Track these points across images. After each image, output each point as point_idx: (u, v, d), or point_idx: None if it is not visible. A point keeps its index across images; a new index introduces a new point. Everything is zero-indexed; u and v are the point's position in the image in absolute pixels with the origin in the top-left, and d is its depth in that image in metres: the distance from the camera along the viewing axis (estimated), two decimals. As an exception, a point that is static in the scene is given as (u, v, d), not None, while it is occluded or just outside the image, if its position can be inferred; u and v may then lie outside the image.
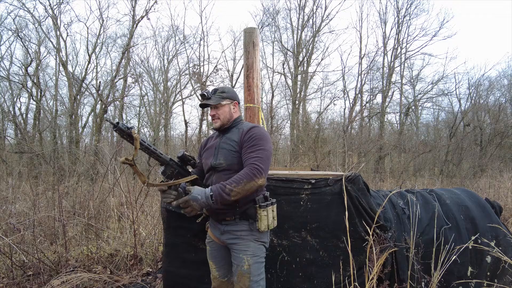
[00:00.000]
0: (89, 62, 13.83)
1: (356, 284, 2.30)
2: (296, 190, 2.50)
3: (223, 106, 2.04)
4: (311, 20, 17.03)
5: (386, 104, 17.17)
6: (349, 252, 2.26)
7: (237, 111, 2.14)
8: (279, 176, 2.52)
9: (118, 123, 1.59)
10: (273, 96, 17.75)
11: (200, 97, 2.08)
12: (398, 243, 2.60)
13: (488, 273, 2.70)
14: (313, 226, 2.50)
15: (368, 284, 2.20)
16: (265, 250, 1.99)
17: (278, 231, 2.49)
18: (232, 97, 2.09)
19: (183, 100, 17.11)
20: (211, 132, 20.16)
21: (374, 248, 2.37)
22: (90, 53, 13.94)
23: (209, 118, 14.98)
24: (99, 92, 13.01)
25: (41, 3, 12.58)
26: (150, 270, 3.53)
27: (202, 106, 2.07)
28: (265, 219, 1.89)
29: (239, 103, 2.17)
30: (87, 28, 15.17)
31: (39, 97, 13.89)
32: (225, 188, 1.71)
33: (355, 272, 2.35)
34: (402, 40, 17.24)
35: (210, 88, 2.18)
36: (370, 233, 2.38)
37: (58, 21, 13.28)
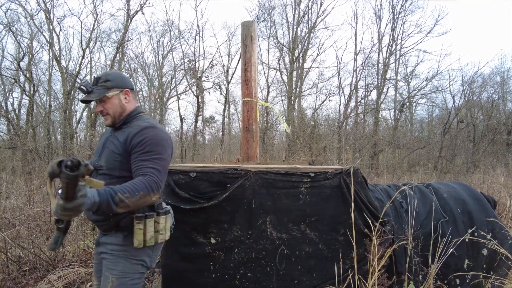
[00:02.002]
0: (83, 57, 13.66)
1: (360, 276, 2.32)
2: (296, 184, 2.50)
3: (110, 98, 1.64)
4: (306, 16, 16.98)
5: (381, 100, 17.27)
6: (354, 244, 2.27)
7: (130, 101, 1.73)
8: (279, 170, 2.52)
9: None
10: (268, 92, 17.75)
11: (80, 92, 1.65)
12: (396, 235, 2.62)
13: (484, 266, 2.73)
14: (312, 219, 2.51)
15: (370, 276, 2.21)
16: (144, 270, 1.64)
17: (278, 224, 2.49)
18: (121, 84, 1.68)
19: (178, 95, 17.02)
20: (206, 128, 20.10)
21: (375, 241, 2.38)
22: (84, 48, 13.75)
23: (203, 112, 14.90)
24: (93, 87, 12.85)
25: (33, -4, 12.39)
26: (148, 264, 3.52)
27: (84, 102, 1.66)
28: (140, 234, 1.50)
29: (132, 89, 1.76)
30: (81, 22, 15.00)
31: (32, 92, 13.71)
32: (115, 196, 1.31)
33: (355, 264, 2.36)
34: (397, 36, 17.31)
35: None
36: (372, 227, 2.39)
37: (51, 15, 13.08)
